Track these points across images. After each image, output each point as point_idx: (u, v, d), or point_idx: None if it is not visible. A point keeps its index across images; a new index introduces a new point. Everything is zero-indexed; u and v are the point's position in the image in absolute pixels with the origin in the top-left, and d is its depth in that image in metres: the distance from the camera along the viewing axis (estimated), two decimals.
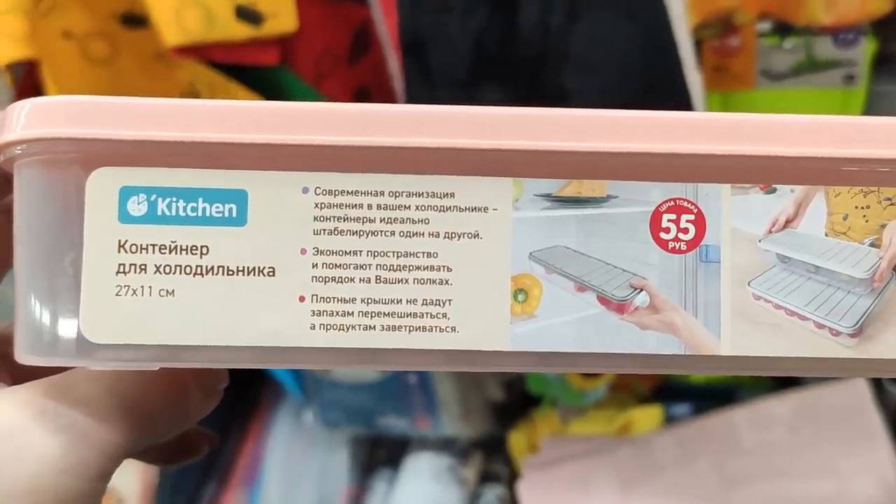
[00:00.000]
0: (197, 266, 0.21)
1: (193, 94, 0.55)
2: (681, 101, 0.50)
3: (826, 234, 0.21)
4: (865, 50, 0.53)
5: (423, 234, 0.21)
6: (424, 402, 0.68)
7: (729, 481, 0.61)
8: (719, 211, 0.21)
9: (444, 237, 0.21)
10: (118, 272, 0.20)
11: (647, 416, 0.66)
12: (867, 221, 0.21)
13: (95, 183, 0.20)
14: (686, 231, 0.21)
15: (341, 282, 0.21)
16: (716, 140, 0.21)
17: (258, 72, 0.53)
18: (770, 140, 0.21)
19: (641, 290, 0.21)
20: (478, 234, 0.21)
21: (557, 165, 0.21)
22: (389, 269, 0.21)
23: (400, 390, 0.68)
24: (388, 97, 0.58)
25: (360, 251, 0.21)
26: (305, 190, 0.21)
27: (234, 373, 0.24)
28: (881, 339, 0.21)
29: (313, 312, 0.21)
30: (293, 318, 0.21)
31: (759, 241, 0.21)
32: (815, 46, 0.54)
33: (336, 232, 0.21)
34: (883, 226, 0.21)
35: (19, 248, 0.21)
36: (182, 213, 0.21)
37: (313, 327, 0.21)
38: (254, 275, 0.21)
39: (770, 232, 0.21)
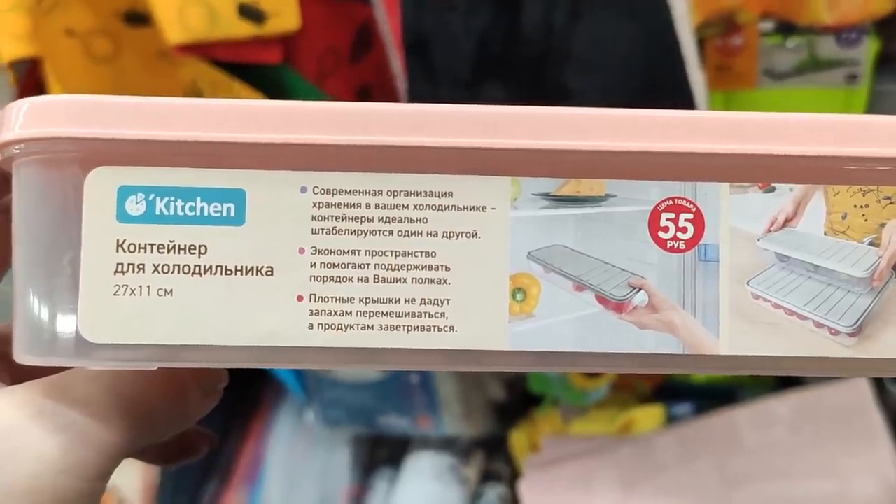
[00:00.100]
0: (195, 266, 0.21)
1: (196, 92, 0.55)
2: (683, 100, 0.50)
3: (825, 233, 0.21)
4: (868, 49, 0.53)
5: (421, 234, 0.21)
6: (426, 401, 0.68)
7: (730, 481, 0.61)
8: (718, 210, 0.21)
9: (443, 236, 0.21)
10: (116, 272, 0.20)
11: (649, 416, 0.66)
12: (866, 220, 0.21)
13: (94, 182, 0.20)
14: (685, 230, 0.21)
15: (339, 281, 0.21)
16: (717, 139, 0.21)
17: (261, 70, 0.53)
18: (772, 138, 0.21)
19: (640, 289, 0.21)
20: (476, 234, 0.21)
21: (555, 164, 0.21)
22: (388, 269, 0.21)
23: (401, 389, 0.68)
24: (391, 96, 0.58)
25: (359, 251, 0.21)
26: (304, 189, 0.21)
27: (234, 372, 0.24)
28: (880, 338, 0.21)
29: (311, 312, 0.21)
30: (291, 317, 0.21)
31: (758, 240, 0.21)
32: (818, 46, 0.54)
33: (334, 231, 0.21)
34: (882, 225, 0.21)
35: (18, 248, 0.21)
36: (180, 213, 0.21)
37: (311, 327, 0.21)
38: (252, 274, 0.21)
39: (769, 231, 0.21)
